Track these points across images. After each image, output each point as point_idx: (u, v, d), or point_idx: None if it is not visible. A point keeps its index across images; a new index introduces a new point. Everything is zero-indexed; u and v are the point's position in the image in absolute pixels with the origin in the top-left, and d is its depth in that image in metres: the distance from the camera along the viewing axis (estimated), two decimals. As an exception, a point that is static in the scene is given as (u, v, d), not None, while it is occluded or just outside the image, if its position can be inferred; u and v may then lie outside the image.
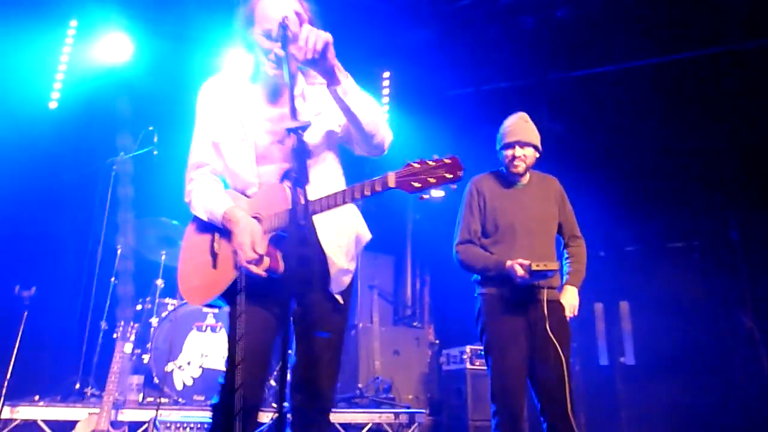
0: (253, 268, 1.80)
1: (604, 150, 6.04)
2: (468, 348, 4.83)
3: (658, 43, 5.82)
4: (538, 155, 3.09)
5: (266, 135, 1.98)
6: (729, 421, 5.14)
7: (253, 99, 2.01)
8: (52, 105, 5.26)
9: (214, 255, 1.93)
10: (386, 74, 6.45)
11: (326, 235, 1.97)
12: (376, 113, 2.00)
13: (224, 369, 1.87)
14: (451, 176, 1.78)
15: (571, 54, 6.28)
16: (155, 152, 3.95)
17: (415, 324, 5.82)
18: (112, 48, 5.43)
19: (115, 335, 3.17)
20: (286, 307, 1.90)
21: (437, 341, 6.03)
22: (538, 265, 2.66)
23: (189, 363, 3.59)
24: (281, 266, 1.85)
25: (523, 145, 2.97)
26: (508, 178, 3.06)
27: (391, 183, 1.81)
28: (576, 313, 2.96)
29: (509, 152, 2.98)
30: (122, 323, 3.20)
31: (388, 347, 5.43)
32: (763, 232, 5.46)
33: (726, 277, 5.50)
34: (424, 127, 6.44)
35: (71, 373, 3.51)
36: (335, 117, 2.05)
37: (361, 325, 5.43)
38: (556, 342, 2.73)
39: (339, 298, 2.01)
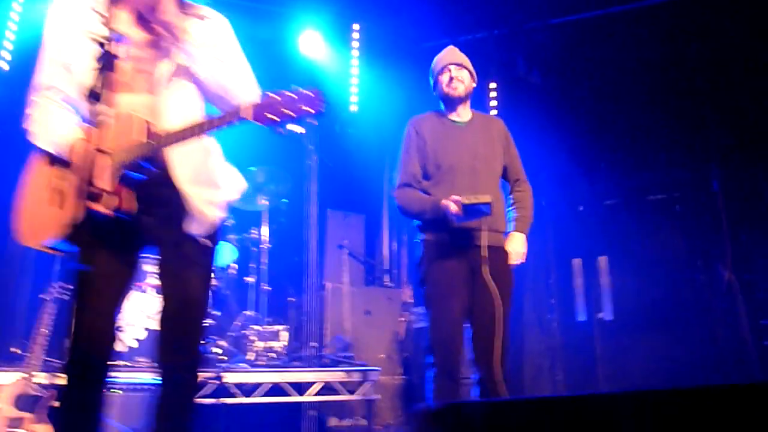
0: (98, 207, 1.63)
1: (582, 102, 5.80)
2: (414, 309, 4.71)
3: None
4: (474, 85, 2.91)
5: (128, 61, 1.79)
6: (707, 375, 5.05)
7: (116, 20, 1.82)
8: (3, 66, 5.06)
9: (57, 192, 1.74)
10: (356, 26, 6.17)
11: (182, 173, 1.79)
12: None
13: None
14: (312, 110, 1.65)
15: (549, 1, 6.00)
16: None
17: (387, 284, 5.69)
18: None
19: (43, 296, 3.04)
20: (137, 252, 1.75)
21: (412, 301, 5.92)
22: (469, 198, 2.49)
23: (133, 324, 3.47)
24: (132, 206, 1.68)
25: (457, 65, 2.82)
26: (449, 117, 2.87)
27: (246, 114, 1.65)
28: (523, 260, 2.77)
29: (444, 76, 2.82)
30: (55, 284, 3.07)
31: (358, 308, 5.30)
32: (744, 182, 5.28)
33: (706, 229, 5.34)
34: (398, 80, 6.21)
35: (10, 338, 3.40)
36: (208, 55, 1.87)
37: (329, 285, 5.29)
38: (494, 289, 2.59)
39: (204, 241, 1.86)
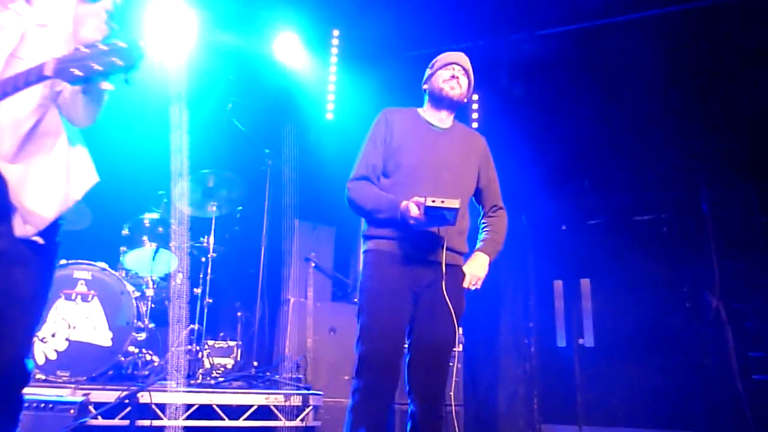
0: None
1: (567, 116, 5.55)
2: (401, 324, 4.41)
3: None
4: (466, 100, 2.62)
5: None
6: (693, 406, 4.73)
7: None
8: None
9: None
10: (336, 32, 5.95)
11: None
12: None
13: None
14: (124, 64, 1.41)
15: (535, 12, 5.79)
16: None
17: (356, 300, 5.38)
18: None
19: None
20: None
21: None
22: (434, 201, 2.15)
23: (54, 335, 3.19)
24: None
25: (464, 69, 2.54)
26: (427, 118, 2.57)
27: (48, 71, 1.43)
28: (478, 286, 2.44)
29: (446, 72, 2.52)
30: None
31: (323, 324, 5.00)
32: (735, 205, 5.00)
33: (694, 253, 5.05)
34: (378, 89, 5.98)
35: None
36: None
37: (292, 299, 4.99)
38: (451, 311, 2.29)
39: (36, 238, 1.59)
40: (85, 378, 3.08)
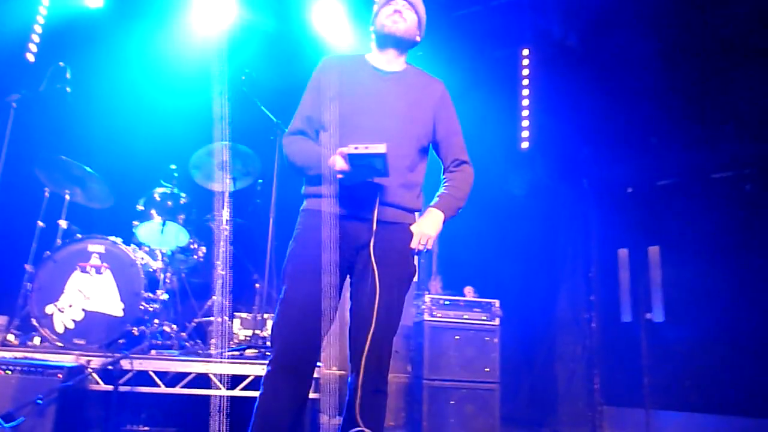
0: None
1: (627, 68, 4.92)
2: (427, 297, 4.18)
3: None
4: (418, 37, 2.32)
5: None
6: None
7: None
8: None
9: None
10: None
11: None
12: None
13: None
14: None
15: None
16: (68, 89, 3.71)
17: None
18: None
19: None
20: None
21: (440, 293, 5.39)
22: (357, 147, 1.91)
23: (71, 305, 3.35)
24: None
25: (409, 4, 2.23)
26: (372, 63, 2.30)
27: None
28: (429, 246, 2.16)
29: (388, 8, 2.22)
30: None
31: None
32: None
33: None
34: (425, 53, 5.70)
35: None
36: None
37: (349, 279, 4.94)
38: (375, 274, 2.04)
39: None
40: (97, 346, 3.23)
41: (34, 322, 3.27)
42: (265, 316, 4.20)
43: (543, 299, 5.19)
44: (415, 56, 5.98)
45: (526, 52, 5.33)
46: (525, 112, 5.28)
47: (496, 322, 4.21)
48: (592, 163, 5.20)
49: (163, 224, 3.66)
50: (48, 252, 3.40)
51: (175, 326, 3.62)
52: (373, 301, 2.05)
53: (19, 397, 2.63)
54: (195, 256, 3.92)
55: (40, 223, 3.66)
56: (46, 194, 3.74)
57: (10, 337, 3.25)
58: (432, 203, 2.27)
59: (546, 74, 5.28)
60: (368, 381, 2.05)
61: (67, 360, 2.98)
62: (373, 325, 2.03)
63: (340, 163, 2.01)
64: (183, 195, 3.83)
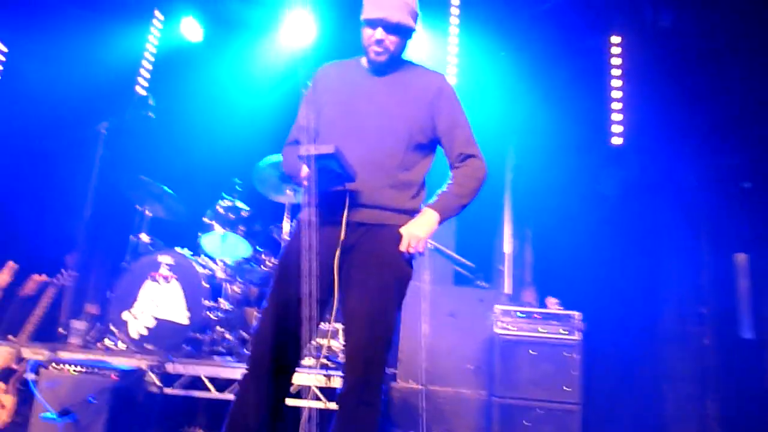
0: None
1: (733, 46, 4.27)
2: (497, 308, 3.92)
3: None
4: (412, 33, 2.18)
5: None
6: None
7: None
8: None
9: None
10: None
11: None
12: None
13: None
14: None
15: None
16: (151, 115, 4.06)
17: (480, 283, 4.96)
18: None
19: (48, 279, 3.32)
20: None
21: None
22: (307, 149, 1.88)
23: (143, 312, 3.61)
24: None
25: (390, 29, 2.09)
26: (364, 66, 2.22)
27: None
28: (419, 249, 2.03)
29: (368, 32, 2.12)
30: (64, 271, 3.35)
31: (440, 309, 4.74)
32: None
33: None
34: (510, 53, 5.44)
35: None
36: None
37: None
38: (336, 279, 1.97)
39: None
40: (163, 351, 3.44)
41: (111, 327, 3.57)
42: (336, 325, 4.22)
43: (643, 311, 4.63)
44: (498, 57, 5.73)
45: (616, 39, 4.86)
46: (616, 105, 4.80)
47: (577, 336, 3.82)
48: (701, 155, 4.58)
49: (224, 236, 3.84)
50: (125, 263, 3.72)
51: (233, 334, 3.76)
52: (350, 308, 1.96)
53: (77, 395, 2.87)
54: (263, 267, 4.05)
55: (133, 237, 4.03)
56: (147, 212, 4.12)
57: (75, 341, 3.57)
58: (428, 202, 2.12)
59: (639, 61, 4.77)
60: (350, 392, 1.94)
61: (128, 362, 3.19)
62: (336, 332, 1.93)
63: (304, 170, 1.99)
64: (244, 207, 4.00)
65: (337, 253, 1.99)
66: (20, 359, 3.01)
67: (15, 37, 5.56)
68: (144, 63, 5.73)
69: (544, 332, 3.79)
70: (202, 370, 3.22)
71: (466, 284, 5.02)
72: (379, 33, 2.10)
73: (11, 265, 3.83)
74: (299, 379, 3.20)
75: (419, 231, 2.03)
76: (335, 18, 5.40)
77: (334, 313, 2.04)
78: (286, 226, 3.83)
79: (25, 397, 2.94)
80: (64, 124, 4.74)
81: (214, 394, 3.22)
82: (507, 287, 5.74)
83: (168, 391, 3.14)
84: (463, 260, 5.01)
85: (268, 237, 4.06)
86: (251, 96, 4.98)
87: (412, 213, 2.10)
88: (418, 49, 5.38)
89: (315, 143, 2.04)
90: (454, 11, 5.54)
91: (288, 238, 2.20)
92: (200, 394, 3.22)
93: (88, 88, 5.12)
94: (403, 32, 2.14)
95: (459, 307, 4.76)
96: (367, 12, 2.12)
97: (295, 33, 5.38)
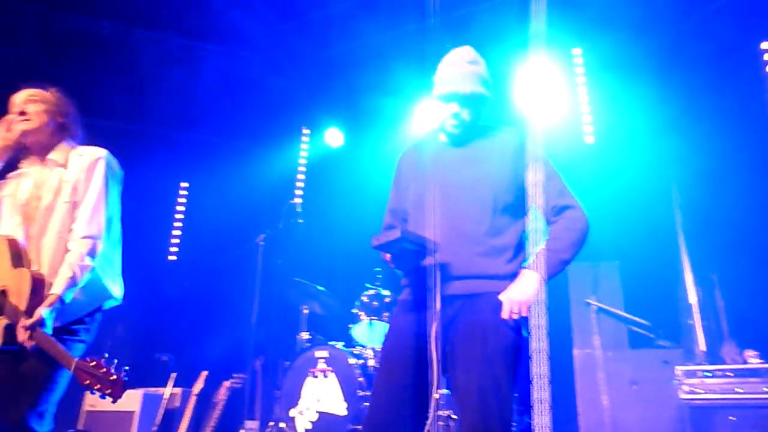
0: None
1: None
2: (678, 369, 3.40)
3: None
4: (485, 107, 2.19)
5: None
6: None
7: None
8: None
9: None
10: (577, 51, 5.41)
11: None
12: None
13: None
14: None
15: None
16: (300, 221, 4.41)
17: (661, 342, 4.37)
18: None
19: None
20: None
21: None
22: (378, 239, 1.91)
23: (308, 408, 3.70)
24: None
25: (464, 101, 2.11)
26: (443, 140, 2.22)
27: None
28: (523, 313, 1.88)
29: (443, 107, 2.15)
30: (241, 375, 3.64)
31: (620, 377, 4.27)
32: None
33: None
34: (637, 96, 5.04)
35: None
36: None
37: (577, 352, 4.45)
38: (432, 357, 1.86)
39: None
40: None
41: (281, 425, 3.74)
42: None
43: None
44: (640, 78, 5.25)
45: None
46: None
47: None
48: None
49: (371, 323, 3.91)
50: (287, 362, 3.94)
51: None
52: (458, 386, 1.86)
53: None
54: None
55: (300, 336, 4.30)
56: (304, 311, 4.41)
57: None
58: (527, 263, 1.99)
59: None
60: None
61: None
62: (432, 412, 1.81)
63: (387, 256, 2.06)
64: (387, 294, 4.07)
65: (434, 327, 1.91)
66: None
67: (193, 172, 6.53)
68: (298, 176, 6.35)
69: (743, 392, 3.19)
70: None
71: (645, 346, 4.48)
72: (454, 107, 2.12)
73: (204, 374, 4.28)
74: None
75: (519, 295, 1.92)
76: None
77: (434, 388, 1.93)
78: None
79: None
80: (234, 241, 5.32)
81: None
82: (701, 343, 5.02)
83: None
84: (636, 319, 4.51)
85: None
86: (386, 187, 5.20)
87: (511, 277, 1.99)
88: (551, 111, 5.25)
89: (441, 224, 2.03)
90: (578, 61, 5.36)
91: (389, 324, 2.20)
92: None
93: (251, 206, 5.76)
94: (476, 102, 2.14)
95: (640, 373, 4.26)
96: (439, 88, 2.16)
97: (424, 121, 5.60)
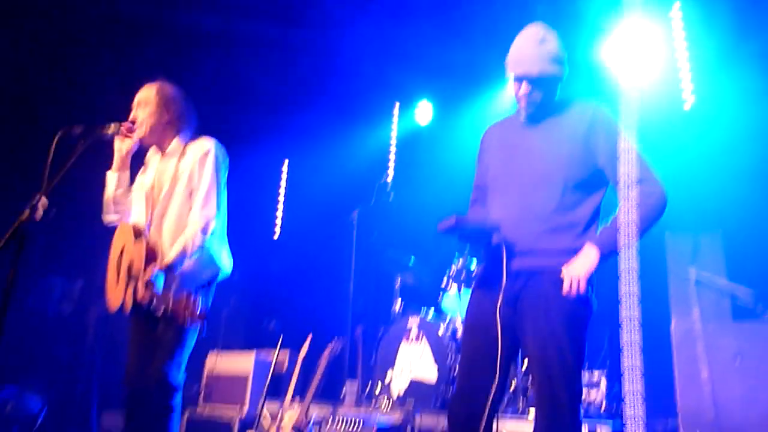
0: None
1: None
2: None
3: None
4: (558, 81, 2.25)
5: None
6: None
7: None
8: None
9: None
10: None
11: None
12: None
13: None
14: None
15: None
16: (391, 197, 4.64)
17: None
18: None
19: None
20: None
21: None
22: (441, 225, 2.09)
23: (401, 372, 3.91)
24: None
25: (534, 82, 2.18)
26: (520, 119, 2.30)
27: None
28: (582, 288, 1.97)
29: (515, 87, 2.23)
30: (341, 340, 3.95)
31: (721, 351, 4.13)
32: None
33: None
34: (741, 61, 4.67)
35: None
36: None
37: (674, 322, 4.33)
38: (497, 329, 2.03)
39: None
40: (419, 408, 3.70)
41: (377, 388, 4.02)
42: (596, 373, 4.05)
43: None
44: (745, 36, 4.84)
45: None
46: None
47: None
48: None
49: (459, 293, 4.06)
50: (382, 329, 4.20)
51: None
52: (530, 356, 2.00)
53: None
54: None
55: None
56: (398, 282, 4.66)
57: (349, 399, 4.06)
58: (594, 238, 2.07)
59: None
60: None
61: (388, 418, 3.56)
62: (495, 383, 1.92)
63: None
64: (475, 264, 4.19)
65: (499, 299, 2.04)
66: (308, 417, 3.60)
67: (293, 154, 6.93)
68: (390, 152, 6.55)
69: None
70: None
71: (750, 318, 4.28)
72: (524, 88, 2.19)
73: (309, 339, 4.65)
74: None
75: (578, 270, 2.01)
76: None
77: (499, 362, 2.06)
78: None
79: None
80: (331, 217, 5.65)
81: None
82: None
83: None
84: (740, 288, 4.31)
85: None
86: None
87: (577, 252, 2.07)
88: (647, 74, 5.03)
89: (514, 202, 2.19)
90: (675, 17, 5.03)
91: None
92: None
93: (347, 182, 6.06)
94: (546, 82, 2.20)
95: (744, 347, 4.10)
96: (510, 68, 2.24)
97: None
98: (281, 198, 6.97)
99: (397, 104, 6.84)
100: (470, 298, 2.27)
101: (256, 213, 6.47)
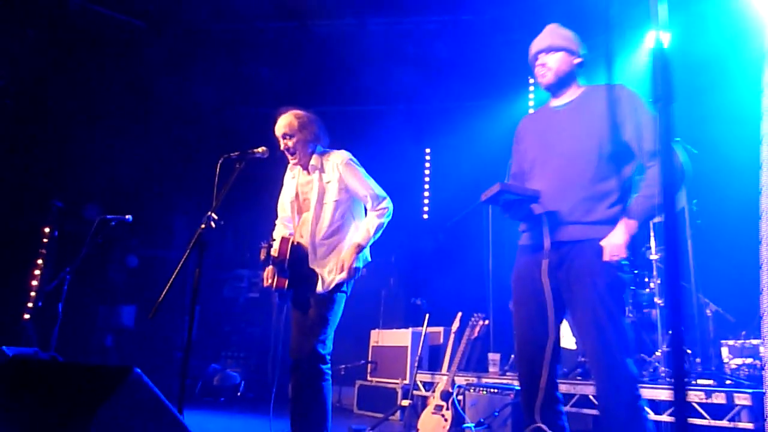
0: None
1: None
2: None
3: None
4: (575, 60, 2.40)
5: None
6: None
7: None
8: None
9: None
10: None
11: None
12: None
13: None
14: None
15: None
16: None
17: None
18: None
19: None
20: None
21: None
22: (485, 194, 2.24)
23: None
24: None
25: (547, 51, 2.40)
26: (550, 104, 2.47)
27: None
28: (621, 255, 2.10)
29: (534, 63, 2.46)
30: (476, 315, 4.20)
31: None
32: None
33: None
34: None
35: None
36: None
37: None
38: (547, 294, 2.17)
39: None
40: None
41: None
42: (753, 342, 3.85)
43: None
44: None
45: None
46: None
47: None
48: None
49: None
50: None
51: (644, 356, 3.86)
52: (576, 324, 2.13)
53: (488, 410, 3.62)
54: (647, 289, 4.08)
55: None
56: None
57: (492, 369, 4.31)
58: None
59: None
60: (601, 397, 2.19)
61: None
62: (550, 347, 2.12)
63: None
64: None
65: (544, 264, 2.20)
66: (454, 385, 3.96)
67: (434, 138, 7.26)
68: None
69: None
70: (590, 390, 3.53)
71: None
72: (540, 59, 2.40)
73: (459, 315, 5.00)
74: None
75: (616, 239, 2.13)
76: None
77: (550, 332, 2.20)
78: (653, 245, 3.84)
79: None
80: (473, 197, 5.90)
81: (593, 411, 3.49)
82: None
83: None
84: None
85: (644, 259, 4.08)
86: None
87: (612, 222, 2.18)
88: None
89: (551, 183, 2.32)
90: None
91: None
92: (589, 411, 3.52)
93: (485, 163, 6.23)
94: (556, 50, 2.38)
95: None
96: (530, 55, 2.47)
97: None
98: (427, 180, 7.35)
99: (532, 80, 6.80)
100: (516, 264, 2.42)
101: (406, 198, 6.93)
